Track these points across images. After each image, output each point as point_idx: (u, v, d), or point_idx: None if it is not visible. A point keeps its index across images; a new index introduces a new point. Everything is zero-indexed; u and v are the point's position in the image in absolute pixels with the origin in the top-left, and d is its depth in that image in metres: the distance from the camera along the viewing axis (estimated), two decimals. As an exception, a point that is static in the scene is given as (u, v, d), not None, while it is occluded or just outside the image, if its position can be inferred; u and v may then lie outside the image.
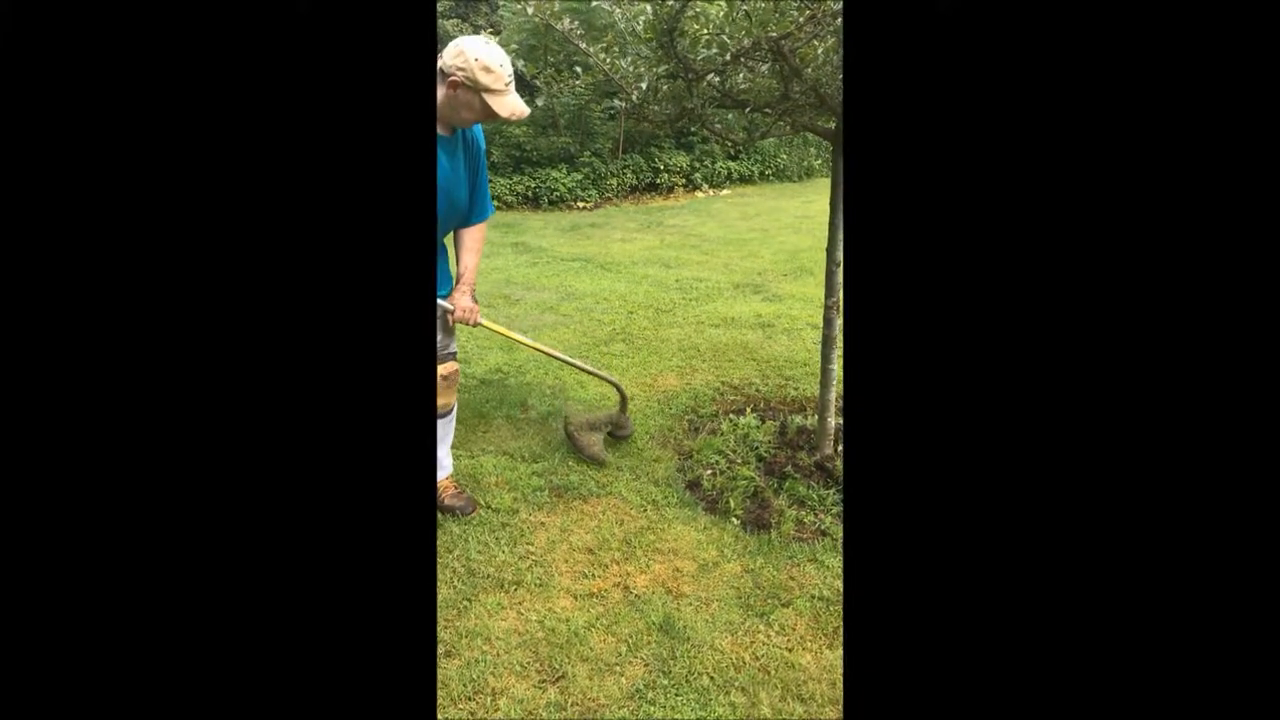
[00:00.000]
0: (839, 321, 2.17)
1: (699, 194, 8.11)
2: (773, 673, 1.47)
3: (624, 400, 2.37)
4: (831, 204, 2.11)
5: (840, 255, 2.13)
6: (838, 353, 2.18)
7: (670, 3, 1.61)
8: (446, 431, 2.03)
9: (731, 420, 2.52)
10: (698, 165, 8.13)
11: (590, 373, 2.36)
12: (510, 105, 1.66)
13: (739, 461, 2.25)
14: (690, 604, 1.68)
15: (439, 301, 1.80)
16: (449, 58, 1.62)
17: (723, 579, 1.76)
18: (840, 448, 2.21)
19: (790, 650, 1.53)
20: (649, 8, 1.71)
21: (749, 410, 2.60)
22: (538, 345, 2.19)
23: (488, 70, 1.61)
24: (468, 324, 1.87)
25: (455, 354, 1.98)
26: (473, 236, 1.91)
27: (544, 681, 1.46)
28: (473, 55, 1.60)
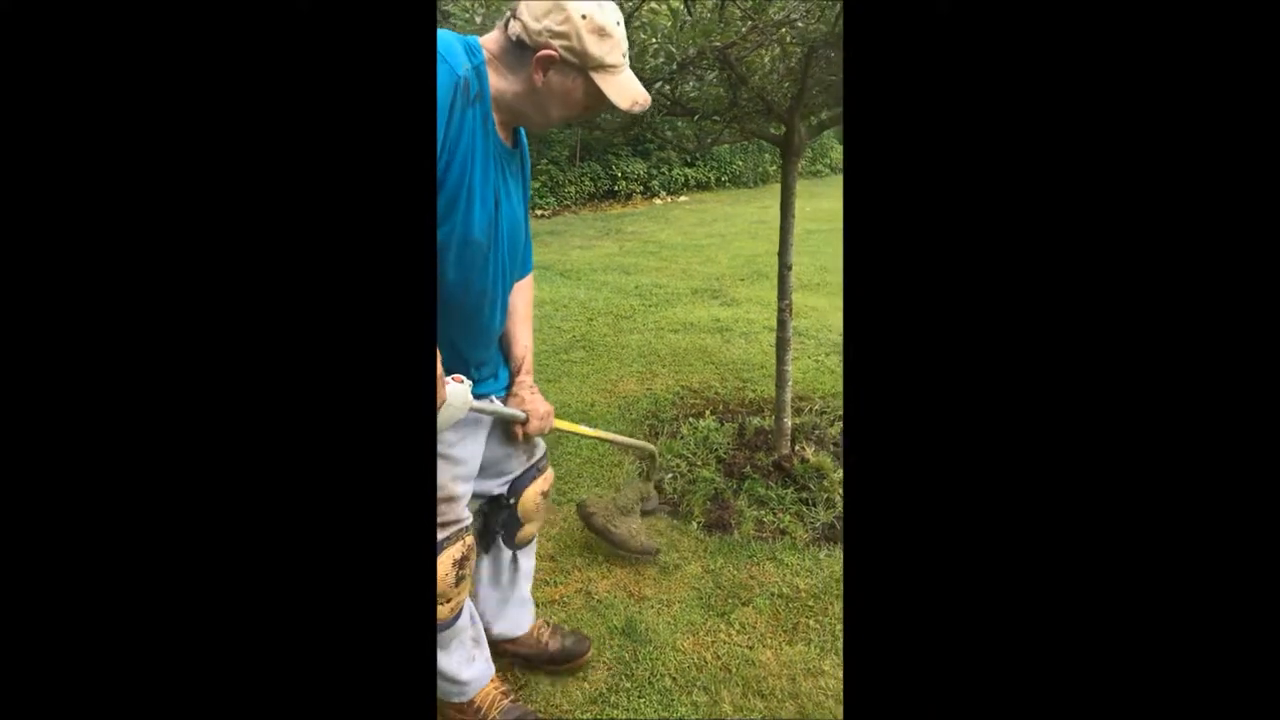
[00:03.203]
0: (791, 323, 2.21)
1: (657, 201, 8.16)
2: (734, 671, 1.49)
3: (652, 465, 1.90)
4: (782, 208, 2.15)
5: (791, 259, 2.17)
6: (791, 354, 2.22)
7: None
8: (529, 568, 1.48)
9: (691, 423, 2.55)
10: (655, 172, 8.19)
11: (626, 444, 1.78)
12: (631, 90, 1.02)
13: (699, 464, 2.28)
14: (652, 607, 1.69)
15: (500, 407, 1.22)
16: (534, 18, 0.97)
17: (684, 580, 1.78)
18: (796, 447, 2.25)
19: (751, 648, 1.56)
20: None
21: (708, 413, 2.63)
22: (602, 434, 1.64)
23: (603, 35, 0.98)
24: (542, 433, 1.31)
25: (545, 457, 1.39)
26: (523, 298, 1.27)
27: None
28: (578, 12, 0.96)
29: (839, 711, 1.39)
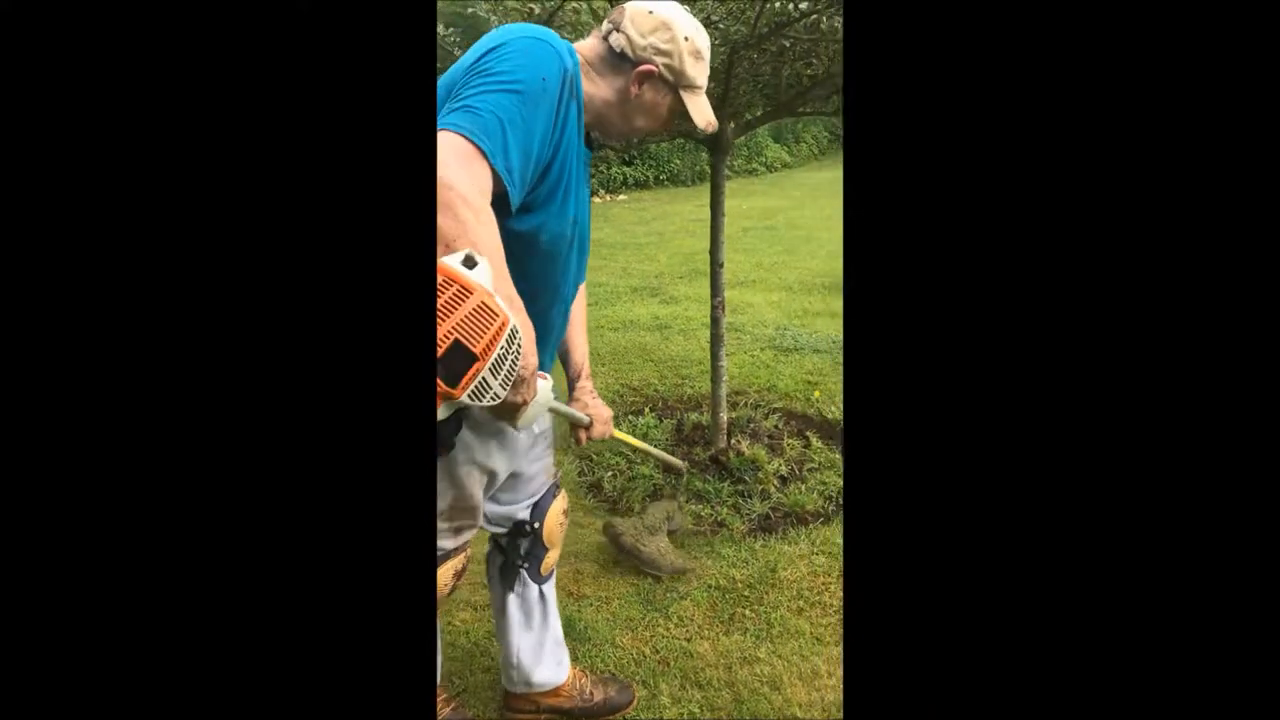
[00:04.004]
0: (725, 320, 2.24)
1: (596, 199, 8.16)
2: (672, 663, 1.51)
3: (679, 483, 1.91)
4: (712, 206, 2.18)
5: (723, 256, 2.21)
6: (726, 349, 2.26)
7: (538, 11, 1.63)
8: (555, 603, 1.37)
9: (630, 421, 2.56)
10: (593, 171, 8.17)
11: (663, 460, 1.74)
12: (707, 111, 1.11)
13: (638, 461, 2.29)
14: (591, 604, 1.70)
15: (562, 407, 1.16)
16: (641, 34, 1.03)
17: (623, 577, 1.79)
18: (733, 440, 2.29)
19: (689, 640, 1.58)
20: (534, 7, 1.72)
21: (648, 410, 2.65)
22: (646, 447, 1.59)
23: (698, 57, 1.06)
24: (603, 439, 1.30)
25: (559, 474, 1.36)
26: (581, 305, 1.25)
27: (447, 697, 1.44)
28: (682, 34, 1.04)
29: (774, 697, 1.43)
